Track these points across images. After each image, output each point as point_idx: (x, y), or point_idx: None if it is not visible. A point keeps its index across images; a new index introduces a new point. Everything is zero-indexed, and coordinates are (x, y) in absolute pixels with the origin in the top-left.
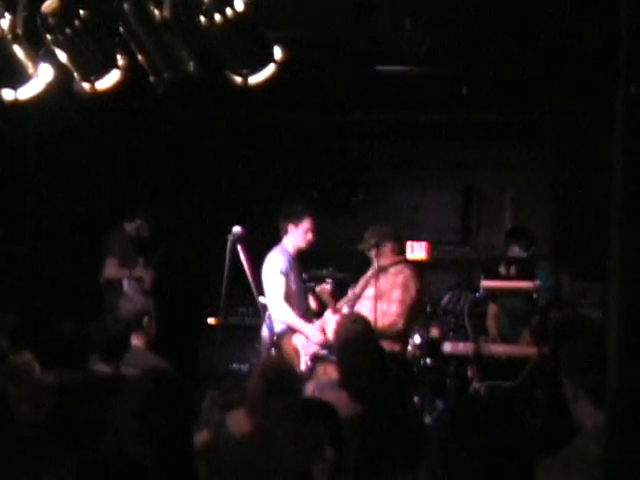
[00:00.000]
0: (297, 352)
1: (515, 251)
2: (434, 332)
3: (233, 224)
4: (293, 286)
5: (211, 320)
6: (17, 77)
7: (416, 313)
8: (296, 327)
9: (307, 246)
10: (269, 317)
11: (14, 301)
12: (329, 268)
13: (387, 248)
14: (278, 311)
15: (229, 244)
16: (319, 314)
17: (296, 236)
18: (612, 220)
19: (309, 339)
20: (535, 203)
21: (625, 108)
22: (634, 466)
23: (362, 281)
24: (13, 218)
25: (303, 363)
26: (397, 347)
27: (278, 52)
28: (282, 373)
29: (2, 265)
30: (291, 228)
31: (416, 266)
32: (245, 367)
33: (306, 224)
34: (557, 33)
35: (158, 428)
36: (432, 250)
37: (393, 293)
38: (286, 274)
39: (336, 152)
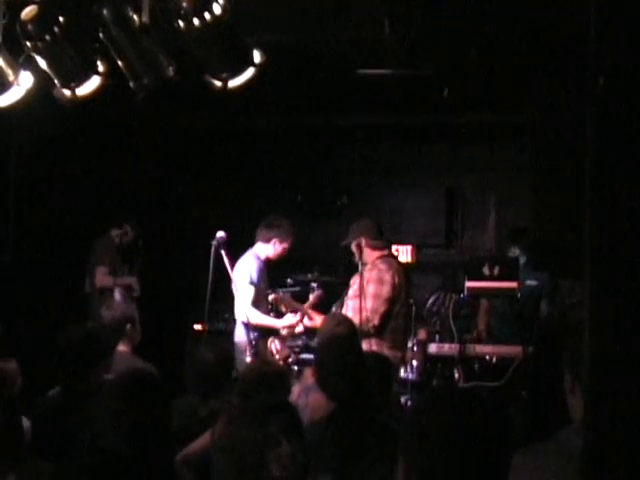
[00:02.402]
0: (272, 356)
1: (516, 252)
2: (420, 334)
3: (217, 229)
4: (261, 292)
5: (197, 326)
6: None
7: (396, 307)
8: (268, 325)
9: (276, 260)
10: (243, 323)
11: None
12: (314, 272)
13: (365, 244)
14: (248, 316)
15: (213, 249)
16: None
17: (274, 249)
18: (585, 218)
19: (285, 329)
20: (519, 204)
21: (593, 100)
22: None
23: (351, 281)
24: None
25: None
26: (375, 345)
27: (257, 56)
28: (265, 375)
29: None
30: (275, 242)
31: (397, 261)
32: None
33: (288, 244)
34: (534, 32)
35: (136, 426)
36: (417, 253)
37: (368, 288)
38: (256, 284)
39: (319, 156)
